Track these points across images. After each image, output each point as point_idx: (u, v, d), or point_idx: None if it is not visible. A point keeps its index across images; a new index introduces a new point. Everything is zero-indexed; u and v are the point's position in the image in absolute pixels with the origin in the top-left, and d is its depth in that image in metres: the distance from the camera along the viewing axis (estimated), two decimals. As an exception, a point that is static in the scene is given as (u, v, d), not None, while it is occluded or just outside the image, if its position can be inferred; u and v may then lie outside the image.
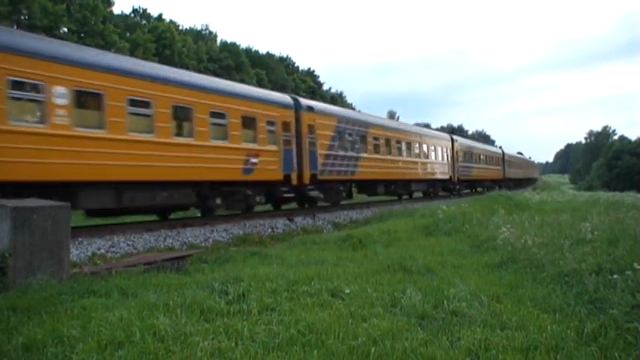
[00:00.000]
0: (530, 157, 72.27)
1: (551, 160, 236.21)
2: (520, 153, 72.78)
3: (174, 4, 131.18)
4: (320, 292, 5.97)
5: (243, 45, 60.99)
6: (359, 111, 38.18)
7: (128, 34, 45.07)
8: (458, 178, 33.54)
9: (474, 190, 38.98)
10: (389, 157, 25.22)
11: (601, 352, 4.16)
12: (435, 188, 31.50)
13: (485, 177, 40.70)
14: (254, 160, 16.01)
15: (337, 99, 70.88)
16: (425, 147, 29.55)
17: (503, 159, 49.16)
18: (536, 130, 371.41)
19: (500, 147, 55.94)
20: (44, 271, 6.75)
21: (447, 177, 32.02)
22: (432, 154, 30.52)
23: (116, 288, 6.25)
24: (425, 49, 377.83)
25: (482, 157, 40.78)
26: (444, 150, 32.15)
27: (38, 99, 10.83)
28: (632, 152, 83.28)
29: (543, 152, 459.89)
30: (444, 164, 31.81)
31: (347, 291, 6.01)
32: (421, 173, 28.74)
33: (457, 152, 33.87)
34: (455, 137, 35.66)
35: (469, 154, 36.81)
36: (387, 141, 25.24)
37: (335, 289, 6.09)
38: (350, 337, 4.40)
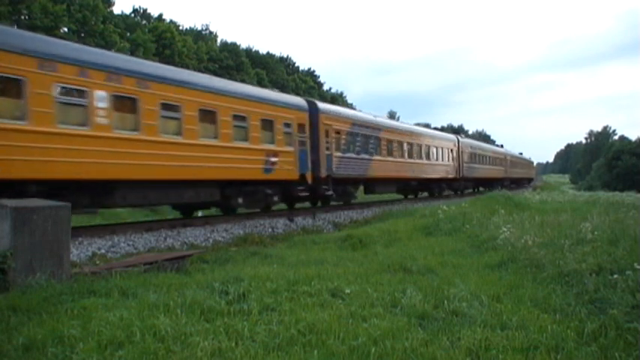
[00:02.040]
0: (521, 154, 74.45)
1: (551, 160, 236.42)
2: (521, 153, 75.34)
3: (175, 4, 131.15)
4: (320, 292, 5.97)
5: (244, 45, 61.03)
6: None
7: (128, 34, 45.09)
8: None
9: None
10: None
11: (601, 352, 4.17)
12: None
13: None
14: None
15: (337, 99, 70.88)
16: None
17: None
18: (536, 130, 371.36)
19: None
20: (44, 271, 6.74)
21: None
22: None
23: (116, 288, 6.24)
24: (425, 49, 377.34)
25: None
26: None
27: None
28: (632, 152, 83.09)
29: (543, 152, 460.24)
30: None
31: (347, 291, 6.01)
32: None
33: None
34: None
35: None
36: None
37: (335, 289, 6.09)
38: (350, 337, 4.40)
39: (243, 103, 15.88)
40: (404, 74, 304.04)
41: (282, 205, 21.18)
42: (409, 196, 31.50)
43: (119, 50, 34.39)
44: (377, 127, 24.73)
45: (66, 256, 7.28)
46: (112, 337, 4.39)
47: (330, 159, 19.91)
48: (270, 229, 15.49)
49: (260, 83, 46.88)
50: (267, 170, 16.55)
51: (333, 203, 22.17)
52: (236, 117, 15.53)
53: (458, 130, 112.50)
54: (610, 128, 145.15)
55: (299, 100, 20.25)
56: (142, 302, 5.49)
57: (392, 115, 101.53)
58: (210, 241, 13.09)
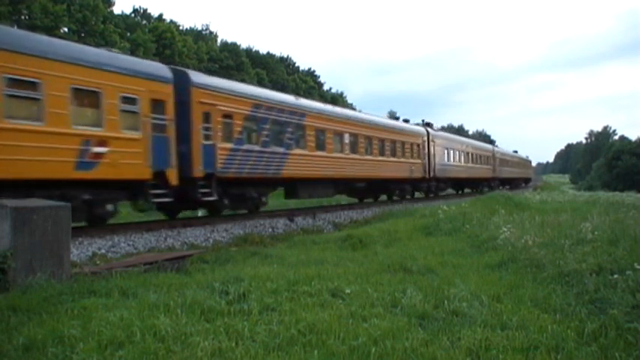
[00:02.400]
0: (516, 152, 73.67)
1: (551, 160, 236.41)
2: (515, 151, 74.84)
3: (175, 4, 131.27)
4: (320, 292, 5.97)
5: (244, 45, 61.09)
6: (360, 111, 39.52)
7: (128, 34, 45.12)
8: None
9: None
10: None
11: (601, 352, 4.17)
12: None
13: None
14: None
15: (338, 99, 70.90)
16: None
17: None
18: (536, 130, 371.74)
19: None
20: (44, 271, 6.74)
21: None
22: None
23: (116, 288, 6.25)
24: (425, 49, 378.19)
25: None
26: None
27: None
28: (632, 152, 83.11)
29: (543, 152, 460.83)
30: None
31: (347, 291, 6.01)
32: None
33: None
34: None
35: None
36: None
37: (335, 289, 6.09)
38: (350, 337, 4.40)
39: (30, 62, 10.42)
40: (404, 74, 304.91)
41: (282, 206, 21.18)
42: (365, 200, 26.52)
43: (119, 50, 34.35)
44: (298, 112, 19.05)
45: (66, 256, 7.29)
46: (112, 337, 4.39)
47: (211, 151, 14.71)
48: (270, 229, 15.50)
49: (260, 83, 46.83)
50: (84, 165, 11.38)
51: (228, 212, 17.17)
52: (14, 82, 10.23)
53: (458, 130, 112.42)
54: (610, 128, 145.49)
55: (153, 66, 14.39)
56: (142, 302, 5.49)
57: (392, 115, 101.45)
58: (211, 241, 13.10)
